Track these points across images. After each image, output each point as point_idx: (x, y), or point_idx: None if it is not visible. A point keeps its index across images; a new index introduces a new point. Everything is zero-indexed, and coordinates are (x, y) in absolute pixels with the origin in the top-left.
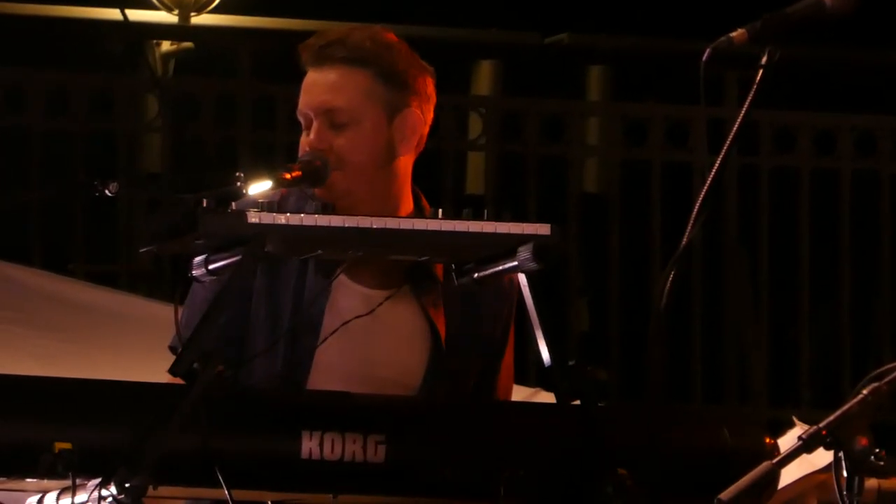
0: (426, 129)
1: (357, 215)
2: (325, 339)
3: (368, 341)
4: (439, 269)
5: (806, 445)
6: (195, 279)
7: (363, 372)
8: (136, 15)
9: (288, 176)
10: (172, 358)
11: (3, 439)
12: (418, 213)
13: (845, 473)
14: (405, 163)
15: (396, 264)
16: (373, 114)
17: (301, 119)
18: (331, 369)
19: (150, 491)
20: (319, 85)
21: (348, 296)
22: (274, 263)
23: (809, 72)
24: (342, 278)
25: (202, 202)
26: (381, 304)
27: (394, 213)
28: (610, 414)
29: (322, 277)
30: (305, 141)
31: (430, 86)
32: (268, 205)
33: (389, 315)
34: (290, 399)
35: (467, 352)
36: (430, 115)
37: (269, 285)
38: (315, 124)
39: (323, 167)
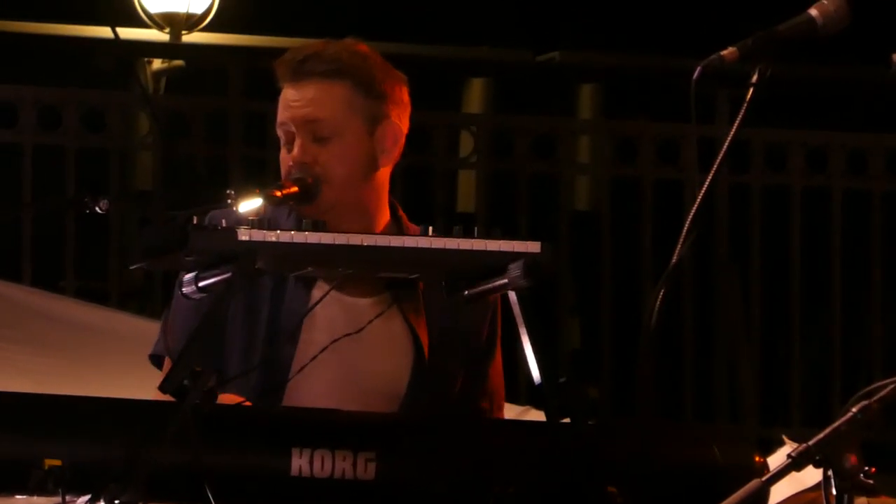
0: (404, 139)
1: (341, 229)
2: (316, 356)
3: (352, 351)
4: None
5: (795, 463)
6: (185, 296)
7: (348, 382)
8: (127, 33)
9: (279, 193)
10: (162, 374)
11: None
12: (395, 223)
13: (835, 492)
14: (384, 174)
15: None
16: (354, 126)
17: (281, 134)
18: (316, 380)
19: None
20: (300, 99)
21: (328, 304)
22: None
23: (800, 90)
24: (322, 287)
25: (193, 219)
26: (371, 321)
27: (373, 224)
28: (600, 431)
29: (302, 286)
30: (288, 156)
31: (405, 94)
32: (258, 221)
33: (373, 324)
34: (281, 416)
35: (450, 358)
36: (407, 124)
37: (246, 297)
38: (298, 139)
39: (314, 184)
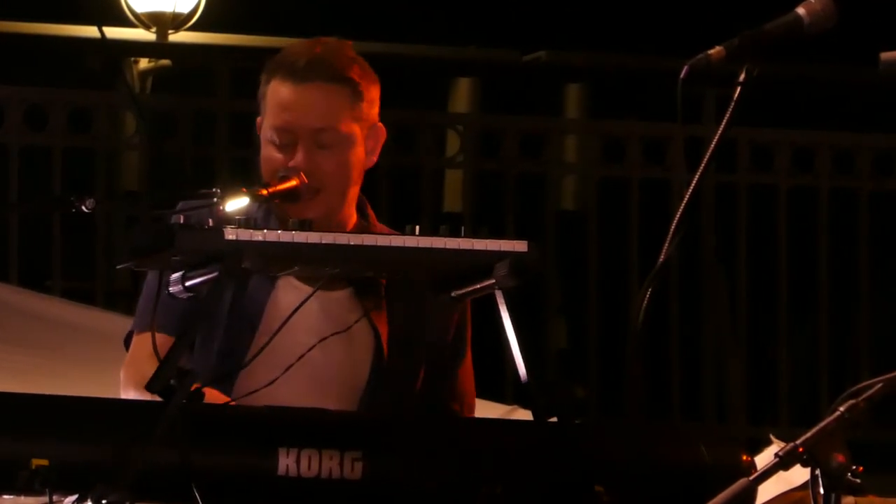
0: (384, 139)
1: (321, 229)
2: (303, 355)
3: (314, 343)
4: None
5: (783, 462)
6: (172, 296)
7: (308, 372)
8: (113, 32)
9: (265, 192)
10: (138, 346)
11: None
12: (361, 218)
13: (822, 491)
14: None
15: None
16: (354, 133)
17: (276, 135)
18: (275, 369)
19: None
20: (306, 104)
21: (292, 296)
22: None
23: (788, 89)
24: (287, 278)
25: (179, 219)
26: (358, 320)
27: (345, 224)
28: (587, 431)
29: (266, 278)
30: (280, 158)
31: (379, 93)
32: (245, 221)
33: (335, 317)
34: (267, 415)
35: (411, 355)
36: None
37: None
38: (302, 145)
39: (301, 184)
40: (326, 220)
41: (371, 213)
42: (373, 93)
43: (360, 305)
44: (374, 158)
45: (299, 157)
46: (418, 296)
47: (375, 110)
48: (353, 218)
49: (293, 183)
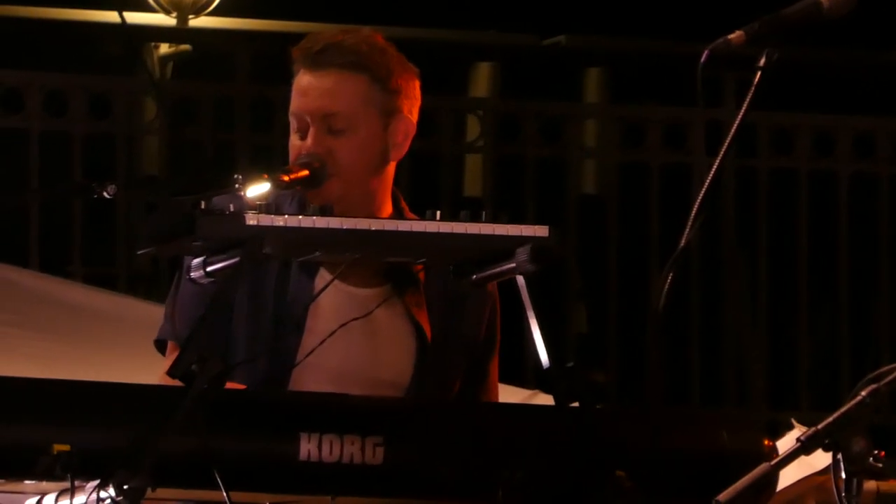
0: (413, 133)
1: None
2: (324, 340)
3: (358, 341)
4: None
5: (804, 447)
6: (193, 281)
7: (354, 371)
8: (134, 17)
9: (286, 178)
10: (167, 358)
11: (1, 441)
12: (397, 214)
13: (844, 475)
14: (392, 167)
15: (379, 263)
16: (369, 120)
17: (293, 121)
18: (320, 368)
19: (149, 493)
20: (316, 89)
21: (334, 294)
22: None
23: (807, 73)
24: (325, 276)
25: (200, 204)
26: (378, 305)
27: (378, 213)
28: (608, 416)
29: (306, 276)
30: (299, 144)
31: (417, 88)
32: (266, 206)
33: (376, 315)
34: (289, 401)
35: (451, 351)
36: (416, 117)
37: (250, 285)
38: (312, 129)
39: (321, 168)
40: (351, 207)
41: (404, 205)
42: (403, 85)
43: (400, 302)
44: (403, 152)
45: (309, 142)
46: (455, 292)
47: (406, 103)
48: (387, 210)
49: (301, 173)
